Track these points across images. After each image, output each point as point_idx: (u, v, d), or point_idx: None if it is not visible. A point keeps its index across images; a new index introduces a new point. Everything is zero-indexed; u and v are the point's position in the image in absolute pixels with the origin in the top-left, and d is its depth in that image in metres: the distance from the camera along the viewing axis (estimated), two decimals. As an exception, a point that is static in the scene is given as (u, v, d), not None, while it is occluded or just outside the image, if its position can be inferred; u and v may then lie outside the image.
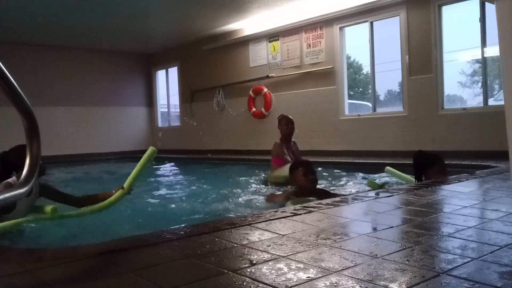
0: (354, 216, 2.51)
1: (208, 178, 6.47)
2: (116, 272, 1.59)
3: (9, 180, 3.03)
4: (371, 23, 7.72)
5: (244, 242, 1.93)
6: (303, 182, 3.76)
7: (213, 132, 10.93)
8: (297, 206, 2.79)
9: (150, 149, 3.69)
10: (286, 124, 5.43)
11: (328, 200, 2.97)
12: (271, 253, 1.75)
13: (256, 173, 6.36)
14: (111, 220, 3.61)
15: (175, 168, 9.00)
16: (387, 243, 1.87)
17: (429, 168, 3.88)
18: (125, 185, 3.51)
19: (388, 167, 4.72)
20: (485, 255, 1.67)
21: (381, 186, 4.16)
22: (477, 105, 6.80)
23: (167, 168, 8.97)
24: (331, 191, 4.03)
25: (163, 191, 5.71)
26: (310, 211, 2.57)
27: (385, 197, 3.03)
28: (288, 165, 4.40)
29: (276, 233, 2.09)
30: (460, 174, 4.25)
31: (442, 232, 2.07)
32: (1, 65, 1.44)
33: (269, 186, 5.04)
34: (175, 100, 12.51)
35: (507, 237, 1.93)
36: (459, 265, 1.55)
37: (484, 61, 6.55)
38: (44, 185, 3.35)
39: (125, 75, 12.49)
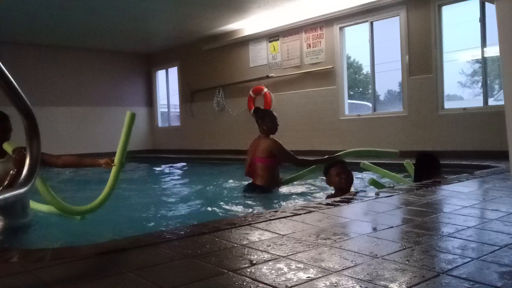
0: (354, 216, 2.51)
1: (207, 179, 6.47)
2: (116, 272, 1.59)
3: None
4: (371, 23, 7.72)
5: (244, 242, 1.93)
6: (336, 182, 3.65)
7: (213, 132, 10.93)
8: (297, 206, 2.79)
9: (129, 115, 3.34)
10: (273, 121, 4.77)
11: (328, 200, 2.97)
12: (271, 253, 1.75)
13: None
14: (111, 220, 3.61)
15: (175, 168, 8.99)
16: (387, 243, 1.87)
17: (429, 173, 3.94)
18: (116, 160, 3.35)
19: (364, 162, 4.63)
20: (485, 255, 1.67)
21: (382, 185, 4.18)
22: (477, 105, 6.80)
23: (167, 168, 8.97)
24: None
25: (163, 191, 5.72)
26: (310, 211, 2.57)
27: (385, 197, 3.03)
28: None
29: (276, 233, 2.09)
30: (460, 174, 4.26)
31: (442, 232, 2.07)
32: (1, 65, 1.44)
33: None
34: (175, 100, 12.51)
35: (507, 237, 1.93)
36: (459, 265, 1.55)
37: (484, 61, 6.55)
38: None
39: (125, 75, 12.49)
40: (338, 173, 3.64)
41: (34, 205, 3.50)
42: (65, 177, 7.68)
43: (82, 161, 3.53)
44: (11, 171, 2.90)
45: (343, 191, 3.58)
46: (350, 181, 3.67)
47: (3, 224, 3.02)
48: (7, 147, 3.02)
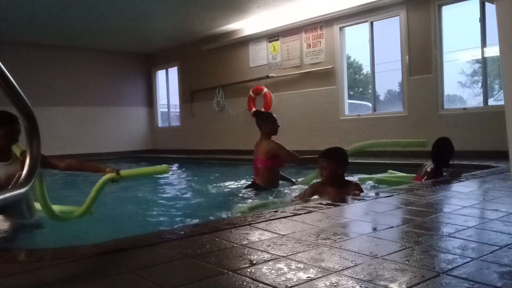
0: (354, 216, 2.51)
1: (207, 179, 6.46)
2: (116, 272, 1.59)
3: None
4: (371, 23, 7.72)
5: (244, 242, 1.93)
6: (321, 174, 3.38)
7: (213, 132, 10.93)
8: (297, 206, 2.79)
9: (164, 166, 3.37)
10: (274, 122, 4.79)
11: (328, 200, 2.97)
12: (271, 253, 1.75)
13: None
14: (111, 220, 3.61)
15: (175, 168, 8.99)
16: (387, 243, 1.87)
17: (447, 155, 4.07)
18: (122, 173, 3.26)
19: (377, 177, 4.67)
20: (485, 255, 1.67)
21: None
22: (477, 105, 6.80)
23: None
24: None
25: (163, 191, 5.72)
26: (310, 211, 2.57)
27: (385, 197, 3.03)
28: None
29: (276, 233, 2.09)
30: (460, 174, 4.26)
31: (442, 232, 2.07)
32: (1, 65, 1.44)
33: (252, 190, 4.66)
34: (175, 100, 12.52)
35: (507, 237, 1.93)
36: (459, 265, 1.55)
37: (484, 61, 6.55)
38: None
39: (125, 75, 12.49)
40: (320, 167, 3.37)
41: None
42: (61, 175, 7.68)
43: (86, 166, 3.44)
44: (18, 174, 2.87)
45: (330, 184, 3.34)
46: (329, 172, 3.31)
47: (9, 224, 3.02)
48: (16, 149, 2.99)
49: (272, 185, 4.66)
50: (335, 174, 3.36)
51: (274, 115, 4.87)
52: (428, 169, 4.14)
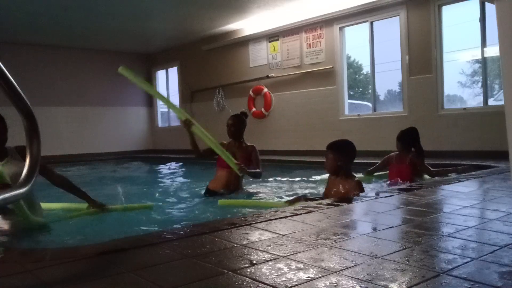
0: (354, 216, 2.51)
1: (207, 179, 6.46)
2: (116, 272, 1.59)
3: None
4: (371, 23, 7.72)
5: (244, 242, 1.93)
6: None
7: (213, 132, 10.92)
8: (297, 206, 2.79)
9: (150, 204, 3.93)
10: (226, 124, 5.04)
11: (328, 200, 2.97)
12: (271, 253, 1.75)
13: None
14: (111, 220, 3.61)
15: (175, 168, 8.99)
16: (387, 243, 1.87)
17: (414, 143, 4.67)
18: (109, 207, 3.54)
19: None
20: (485, 255, 1.67)
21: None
22: (477, 105, 6.80)
23: (167, 168, 8.97)
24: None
25: (163, 191, 5.72)
26: (310, 211, 2.57)
27: (385, 197, 3.03)
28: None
29: (276, 233, 2.09)
30: (460, 174, 4.26)
31: (442, 232, 2.07)
32: (1, 65, 1.44)
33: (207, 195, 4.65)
34: (175, 100, 12.51)
35: (507, 237, 1.93)
36: (459, 265, 1.55)
37: (484, 61, 6.55)
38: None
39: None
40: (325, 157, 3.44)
41: (44, 205, 3.55)
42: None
43: (78, 191, 3.51)
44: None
45: (332, 174, 3.44)
46: (327, 163, 3.42)
47: (9, 224, 3.01)
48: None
49: (222, 188, 4.71)
50: (336, 166, 3.35)
51: (231, 116, 4.99)
52: (409, 156, 4.57)
